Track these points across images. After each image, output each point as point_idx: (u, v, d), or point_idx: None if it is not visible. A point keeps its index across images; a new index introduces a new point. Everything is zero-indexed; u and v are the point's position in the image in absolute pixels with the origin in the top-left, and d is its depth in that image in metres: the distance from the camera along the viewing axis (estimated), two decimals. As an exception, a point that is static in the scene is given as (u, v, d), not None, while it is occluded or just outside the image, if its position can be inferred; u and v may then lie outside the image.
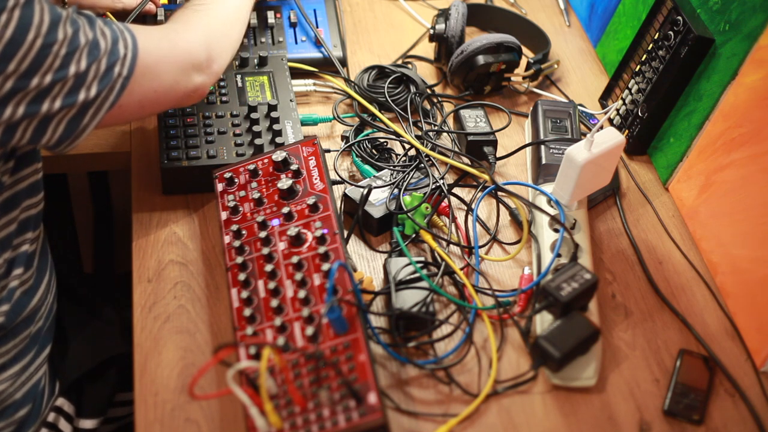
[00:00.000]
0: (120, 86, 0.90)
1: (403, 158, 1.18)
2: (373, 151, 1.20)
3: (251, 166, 1.05)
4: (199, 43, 1.00)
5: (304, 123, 1.23)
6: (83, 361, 1.11)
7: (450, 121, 1.26)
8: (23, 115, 0.83)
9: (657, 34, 1.21)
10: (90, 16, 0.88)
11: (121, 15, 1.24)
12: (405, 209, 1.07)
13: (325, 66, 1.32)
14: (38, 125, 0.86)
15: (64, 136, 0.89)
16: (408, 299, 0.99)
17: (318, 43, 1.33)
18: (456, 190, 1.16)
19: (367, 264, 1.08)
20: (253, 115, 1.15)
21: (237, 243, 0.99)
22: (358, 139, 1.20)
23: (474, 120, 1.22)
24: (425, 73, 1.38)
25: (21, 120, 0.84)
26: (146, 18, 1.29)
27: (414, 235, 1.07)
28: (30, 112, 0.84)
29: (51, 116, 0.86)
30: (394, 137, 1.20)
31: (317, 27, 1.36)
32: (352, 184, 1.12)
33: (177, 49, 0.97)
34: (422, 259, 1.04)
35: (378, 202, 1.09)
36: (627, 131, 1.25)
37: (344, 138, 1.21)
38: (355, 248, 1.09)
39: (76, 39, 0.84)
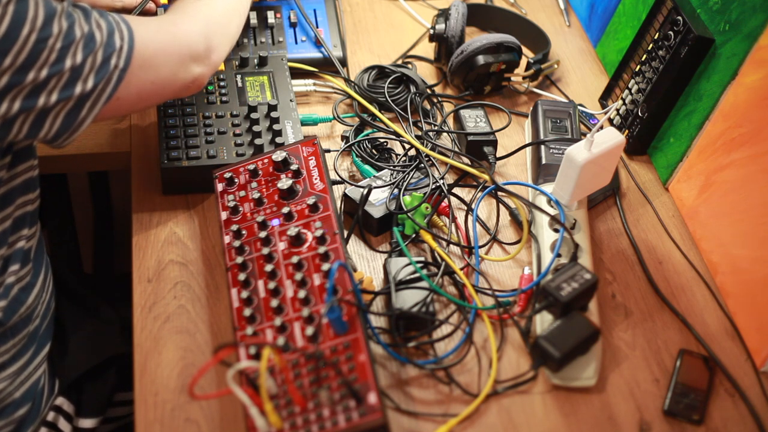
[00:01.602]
0: (117, 78, 0.90)
1: (403, 158, 1.18)
2: (373, 151, 1.20)
3: (251, 166, 1.05)
4: (198, 34, 1.00)
5: (304, 123, 1.23)
6: (83, 360, 1.11)
7: (450, 121, 1.26)
8: (20, 109, 0.83)
9: (657, 34, 1.21)
10: (85, 9, 0.88)
11: (121, 15, 1.23)
12: (405, 209, 1.07)
13: (325, 66, 1.32)
14: (35, 119, 0.86)
15: (62, 130, 0.89)
16: (408, 299, 0.99)
17: (318, 43, 1.33)
18: (456, 190, 1.16)
19: (367, 264, 1.08)
20: (253, 115, 1.15)
21: (237, 243, 0.99)
22: (358, 139, 1.20)
23: (474, 120, 1.22)
24: (425, 73, 1.38)
25: (18, 114, 0.84)
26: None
27: (414, 235, 1.07)
28: (26, 106, 0.84)
29: (48, 110, 0.86)
30: (394, 137, 1.20)
31: (317, 27, 1.36)
32: (352, 184, 1.12)
33: (175, 39, 0.97)
34: (422, 259, 1.04)
35: (378, 202, 1.09)
36: (627, 131, 1.25)
37: (344, 138, 1.21)
38: (355, 248, 1.09)
39: (72, 32, 0.84)
